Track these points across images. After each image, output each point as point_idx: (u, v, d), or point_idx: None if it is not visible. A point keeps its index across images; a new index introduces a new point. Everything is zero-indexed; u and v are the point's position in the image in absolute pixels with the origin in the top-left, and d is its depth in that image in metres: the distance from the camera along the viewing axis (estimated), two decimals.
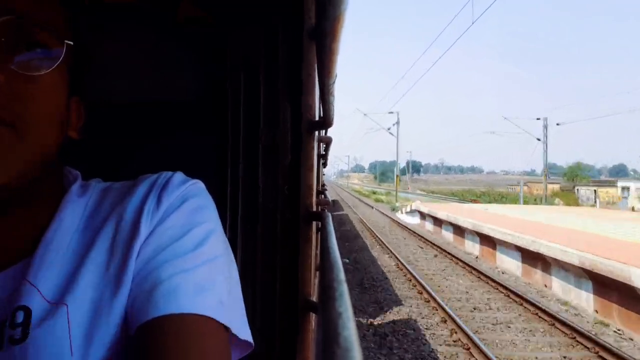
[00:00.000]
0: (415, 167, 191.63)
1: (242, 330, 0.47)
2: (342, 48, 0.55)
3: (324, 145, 3.05)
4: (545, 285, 8.77)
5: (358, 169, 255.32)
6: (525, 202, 34.15)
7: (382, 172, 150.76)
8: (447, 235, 15.58)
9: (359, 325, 6.39)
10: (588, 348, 5.57)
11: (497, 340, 5.97)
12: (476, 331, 6.21)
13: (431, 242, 14.08)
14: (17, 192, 0.43)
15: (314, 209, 0.90)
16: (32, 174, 0.44)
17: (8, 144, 0.40)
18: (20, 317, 0.40)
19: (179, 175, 0.53)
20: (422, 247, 13.58)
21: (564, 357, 5.45)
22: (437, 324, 6.61)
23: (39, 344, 0.39)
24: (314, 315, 0.88)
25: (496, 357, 5.23)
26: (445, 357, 5.50)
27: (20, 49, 0.41)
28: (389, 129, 39.19)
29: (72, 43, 0.45)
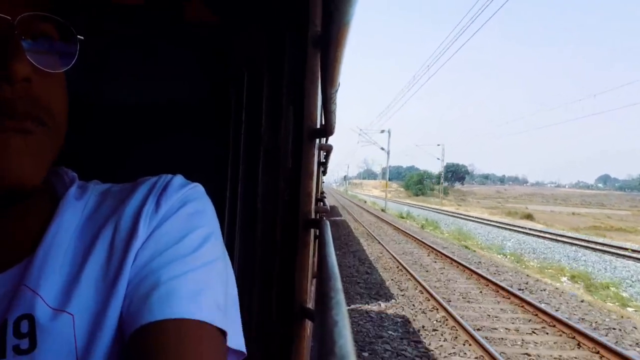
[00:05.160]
0: (457, 173, 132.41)
1: (235, 339, 0.46)
2: (346, 58, 0.56)
3: (324, 153, 3.05)
4: None
5: (368, 174, 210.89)
6: None
7: (418, 180, 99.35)
8: None
9: None
10: None
11: None
12: None
13: None
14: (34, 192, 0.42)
15: (313, 216, 0.90)
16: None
17: (43, 144, 0.40)
18: (25, 326, 0.39)
19: (178, 179, 0.52)
20: None
21: None
22: None
23: (47, 354, 0.39)
24: (309, 322, 0.88)
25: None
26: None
27: (41, 46, 0.41)
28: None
29: (83, 38, 0.44)
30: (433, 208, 43.88)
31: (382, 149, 37.65)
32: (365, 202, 53.28)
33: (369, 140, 39.90)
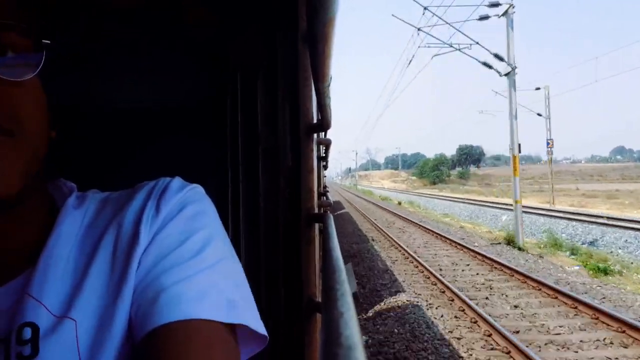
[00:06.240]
0: (472, 155, 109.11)
1: (257, 324, 0.47)
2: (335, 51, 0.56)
3: (324, 148, 3.05)
4: None
5: (371, 164, 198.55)
6: None
7: (435, 165, 78.15)
8: None
9: None
10: None
11: None
12: None
13: None
14: (15, 202, 0.42)
15: (316, 210, 0.90)
16: (28, 182, 0.43)
17: (9, 153, 0.40)
18: (27, 333, 0.40)
19: (177, 181, 0.53)
20: None
21: None
22: None
23: (49, 359, 0.39)
24: (320, 315, 0.89)
25: None
26: None
27: (2, 55, 0.40)
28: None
29: (49, 42, 0.44)
30: (506, 205, 20.95)
31: (499, 60, 11.95)
32: (400, 203, 31.08)
33: (448, 44, 12.72)
